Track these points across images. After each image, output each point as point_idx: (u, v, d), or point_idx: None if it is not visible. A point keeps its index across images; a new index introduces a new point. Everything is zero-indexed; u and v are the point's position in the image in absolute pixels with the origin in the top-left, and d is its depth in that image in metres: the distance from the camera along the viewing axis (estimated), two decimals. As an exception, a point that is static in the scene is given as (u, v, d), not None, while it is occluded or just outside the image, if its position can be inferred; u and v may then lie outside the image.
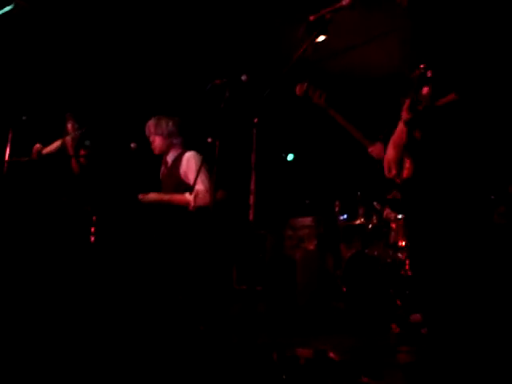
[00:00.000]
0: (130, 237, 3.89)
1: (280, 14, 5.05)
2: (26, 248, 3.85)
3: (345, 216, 5.71)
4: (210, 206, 3.46)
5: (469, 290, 2.03)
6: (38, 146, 4.29)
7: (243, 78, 3.18)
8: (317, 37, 2.36)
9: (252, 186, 2.43)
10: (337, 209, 5.71)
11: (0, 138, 3.97)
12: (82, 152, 4.32)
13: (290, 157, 7.47)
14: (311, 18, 2.33)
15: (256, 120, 2.49)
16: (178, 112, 4.24)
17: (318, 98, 3.93)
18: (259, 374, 2.60)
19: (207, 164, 3.73)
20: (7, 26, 4.09)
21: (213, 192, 3.14)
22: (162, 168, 4.19)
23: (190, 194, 3.79)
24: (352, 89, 4.27)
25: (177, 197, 3.91)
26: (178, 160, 4.03)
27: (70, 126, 4.33)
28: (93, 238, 3.80)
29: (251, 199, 2.41)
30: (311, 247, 5.66)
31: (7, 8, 3.14)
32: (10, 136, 3.93)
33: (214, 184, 3.12)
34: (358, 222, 5.39)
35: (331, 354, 2.91)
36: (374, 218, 5.23)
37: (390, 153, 2.41)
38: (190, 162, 3.93)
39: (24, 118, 4.06)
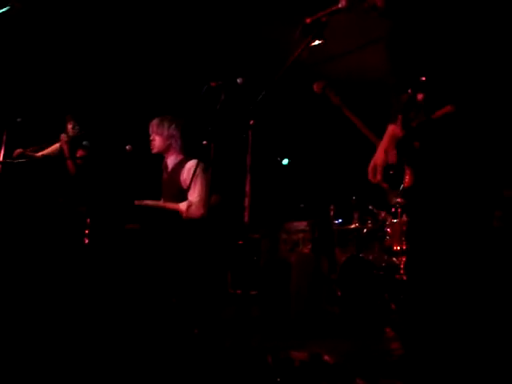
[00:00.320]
0: (125, 239, 3.88)
1: (276, 16, 5.06)
2: (20, 249, 3.83)
3: (340, 220, 5.71)
4: (203, 216, 3.47)
5: (468, 293, 2.02)
6: (19, 150, 4.29)
7: (239, 80, 3.19)
8: (313, 40, 2.35)
9: (247, 189, 2.42)
10: (332, 213, 5.71)
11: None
12: (80, 153, 4.31)
13: (285, 161, 7.47)
14: (307, 20, 2.32)
15: (251, 122, 2.48)
16: (174, 114, 4.24)
17: (334, 97, 4.07)
18: (254, 376, 2.59)
19: (208, 173, 3.72)
20: (3, 28, 4.08)
21: (207, 202, 3.14)
22: (164, 173, 4.19)
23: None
24: (348, 91, 4.29)
25: (170, 206, 3.92)
26: (179, 167, 4.03)
27: (70, 127, 4.33)
28: (87, 240, 3.79)
29: (246, 201, 2.41)
30: (306, 251, 5.65)
31: (3, 9, 3.13)
32: (4, 138, 3.92)
33: (209, 187, 3.12)
34: (352, 226, 5.39)
35: (326, 357, 2.90)
36: (369, 222, 5.23)
37: (380, 157, 2.29)
38: (191, 171, 3.89)
39: (19, 119, 4.06)
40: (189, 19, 5.26)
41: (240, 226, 2.47)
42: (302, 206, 6.65)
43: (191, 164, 3.96)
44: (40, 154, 4.35)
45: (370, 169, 2.30)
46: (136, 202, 3.93)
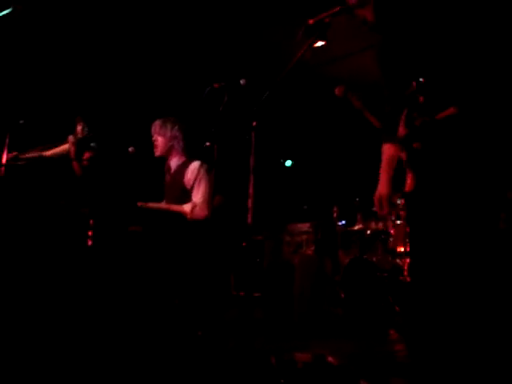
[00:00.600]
0: (128, 241, 3.87)
1: (278, 18, 5.06)
2: (23, 251, 3.83)
3: (343, 222, 5.71)
4: (207, 218, 3.46)
5: (473, 295, 2.01)
6: (13, 153, 4.29)
7: (242, 81, 3.18)
8: (315, 41, 2.35)
9: (250, 190, 2.42)
10: (335, 214, 5.70)
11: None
12: (87, 154, 4.30)
13: (288, 163, 7.47)
14: (310, 21, 2.31)
15: (255, 123, 2.47)
16: (177, 116, 4.23)
17: (356, 100, 4.08)
18: (257, 378, 2.58)
19: (211, 174, 3.71)
20: (5, 30, 4.09)
21: (211, 203, 3.13)
22: (166, 175, 4.19)
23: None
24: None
25: (175, 207, 3.91)
26: (182, 168, 4.02)
27: (79, 128, 4.31)
28: (90, 242, 3.79)
29: (249, 203, 2.40)
30: (309, 253, 5.64)
31: (5, 11, 3.14)
32: (7, 140, 3.92)
33: (213, 188, 3.11)
34: (356, 227, 5.39)
35: (330, 359, 2.90)
36: (373, 223, 5.22)
37: (383, 188, 2.27)
38: (195, 172, 3.89)
39: (21, 121, 4.05)
40: (192, 22, 5.27)
41: (243, 227, 2.46)
42: (305, 207, 6.65)
43: (195, 165, 3.96)
44: (50, 152, 4.33)
45: (375, 201, 2.30)
46: (139, 204, 3.92)
